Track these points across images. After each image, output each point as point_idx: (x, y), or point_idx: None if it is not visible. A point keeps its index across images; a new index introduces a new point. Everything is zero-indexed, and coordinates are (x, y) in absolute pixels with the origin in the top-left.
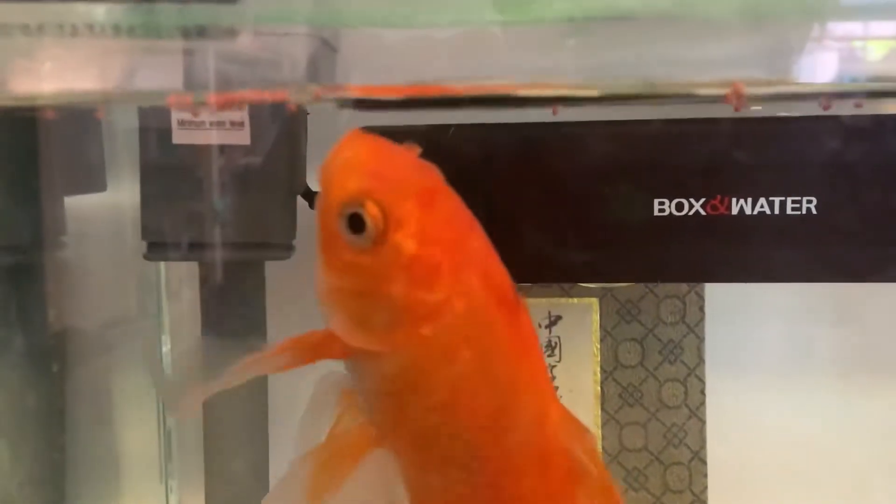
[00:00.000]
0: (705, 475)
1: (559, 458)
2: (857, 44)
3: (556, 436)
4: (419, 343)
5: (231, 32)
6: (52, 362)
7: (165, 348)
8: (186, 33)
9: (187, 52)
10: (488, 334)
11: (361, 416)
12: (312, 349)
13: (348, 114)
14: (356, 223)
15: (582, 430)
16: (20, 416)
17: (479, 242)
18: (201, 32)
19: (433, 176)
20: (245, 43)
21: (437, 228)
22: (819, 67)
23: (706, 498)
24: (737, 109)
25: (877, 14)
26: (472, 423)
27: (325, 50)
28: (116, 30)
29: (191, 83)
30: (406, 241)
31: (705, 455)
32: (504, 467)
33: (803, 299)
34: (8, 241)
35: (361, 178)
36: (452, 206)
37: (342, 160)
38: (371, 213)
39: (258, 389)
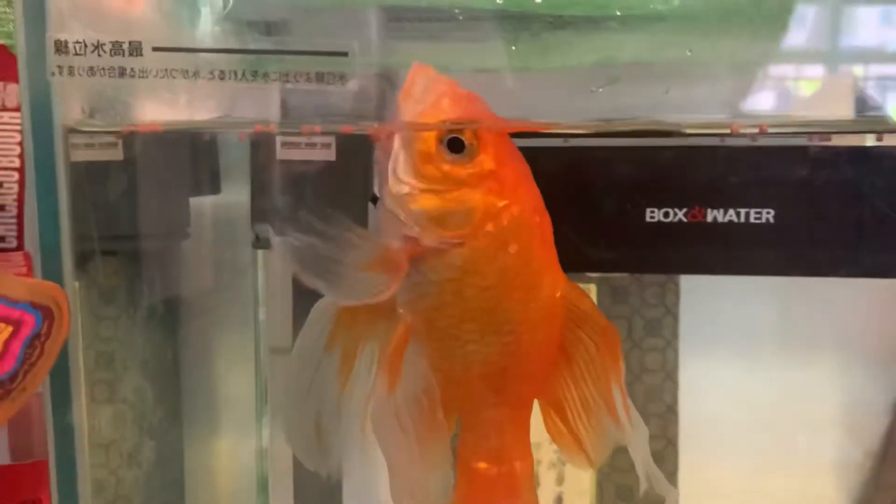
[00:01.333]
0: (677, 424)
1: (564, 312)
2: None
3: (563, 297)
4: (483, 237)
5: (343, 77)
6: (175, 323)
7: (262, 317)
8: (297, 77)
9: (284, 90)
10: (529, 231)
11: (395, 313)
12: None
13: None
14: (453, 145)
15: (582, 292)
16: (160, 364)
17: (524, 166)
18: (320, 78)
19: (489, 109)
20: (353, 86)
21: (504, 153)
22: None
23: (677, 441)
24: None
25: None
26: (513, 296)
27: (388, 86)
28: (244, 74)
29: (285, 113)
30: (487, 160)
31: (677, 408)
32: (528, 326)
33: (756, 288)
34: (150, 231)
35: (458, 109)
36: (506, 137)
37: (436, 93)
38: (467, 136)
39: None
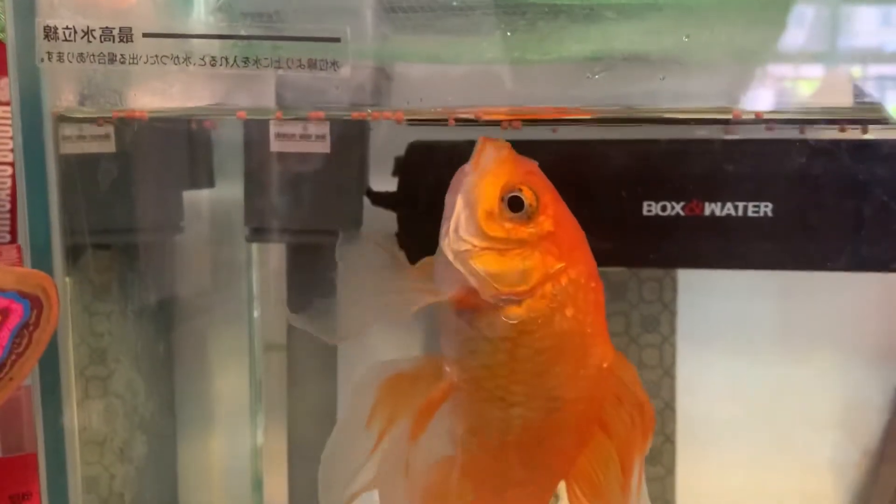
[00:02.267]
0: (674, 420)
1: (608, 386)
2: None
3: (610, 370)
4: (540, 297)
5: (335, 64)
6: (169, 318)
7: (256, 313)
8: (290, 64)
9: (280, 78)
10: (584, 296)
11: (438, 369)
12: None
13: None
14: (514, 203)
15: (628, 365)
16: (153, 360)
17: (580, 232)
18: (312, 65)
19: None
20: (345, 73)
21: (562, 215)
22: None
23: (675, 438)
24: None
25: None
26: (565, 361)
27: (384, 78)
28: (235, 61)
29: (280, 102)
30: (547, 221)
31: (675, 405)
32: (574, 394)
33: (754, 284)
34: (143, 225)
35: (519, 172)
36: (562, 202)
37: (498, 158)
38: (527, 196)
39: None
